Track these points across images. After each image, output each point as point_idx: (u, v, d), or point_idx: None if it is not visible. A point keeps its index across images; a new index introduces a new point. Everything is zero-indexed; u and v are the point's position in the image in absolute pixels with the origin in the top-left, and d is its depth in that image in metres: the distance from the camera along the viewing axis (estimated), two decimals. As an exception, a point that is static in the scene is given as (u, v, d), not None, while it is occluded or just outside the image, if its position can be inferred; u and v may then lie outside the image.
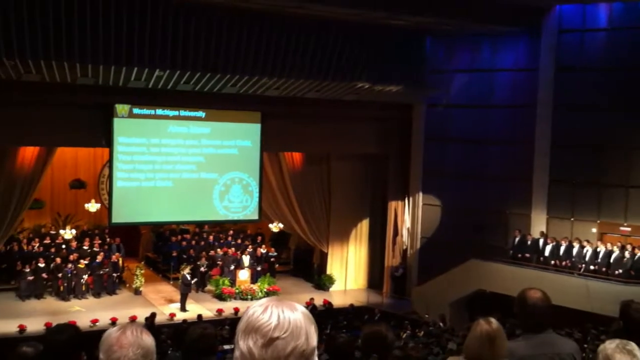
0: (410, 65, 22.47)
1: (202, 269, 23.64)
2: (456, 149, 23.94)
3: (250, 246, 25.43)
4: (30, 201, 21.78)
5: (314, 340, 1.89)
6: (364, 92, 22.68)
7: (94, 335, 3.28)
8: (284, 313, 1.87)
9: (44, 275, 21.85)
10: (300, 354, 1.85)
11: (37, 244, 23.01)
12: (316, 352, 1.91)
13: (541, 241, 21.19)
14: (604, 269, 19.61)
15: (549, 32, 21.67)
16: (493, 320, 3.66)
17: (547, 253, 20.84)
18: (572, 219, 21.41)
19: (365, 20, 20.65)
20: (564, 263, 20.45)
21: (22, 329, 18.74)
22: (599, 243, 20.18)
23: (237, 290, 23.15)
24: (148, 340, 2.39)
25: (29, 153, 21.03)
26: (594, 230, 20.98)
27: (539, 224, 21.86)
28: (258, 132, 23.27)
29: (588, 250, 20.12)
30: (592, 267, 19.83)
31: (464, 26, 22.13)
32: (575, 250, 20.31)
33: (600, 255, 19.83)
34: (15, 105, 19.51)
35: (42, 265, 21.83)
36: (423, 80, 23.32)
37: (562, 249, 20.56)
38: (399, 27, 21.65)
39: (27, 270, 21.53)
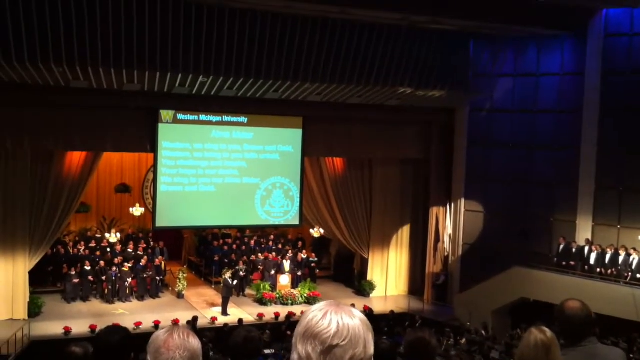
0: (454, 69, 22.29)
1: (240, 273, 23.77)
2: (500, 154, 23.67)
3: (290, 251, 25.53)
4: (77, 205, 22.20)
5: (371, 348, 1.90)
6: (406, 97, 22.59)
7: (138, 338, 3.33)
8: (343, 320, 1.87)
9: (90, 278, 22.24)
10: None
11: (83, 247, 23.46)
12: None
13: (586, 249, 20.80)
14: (651, 278, 19.18)
15: (595, 36, 21.30)
16: (546, 329, 3.65)
17: (592, 261, 20.43)
18: (618, 226, 20.97)
19: (409, 24, 20.58)
20: (609, 271, 20.04)
21: (67, 330, 19.08)
22: (646, 251, 19.75)
23: (277, 295, 23.24)
24: (195, 343, 2.42)
25: (76, 158, 21.46)
26: (641, 237, 20.53)
27: (584, 231, 21.47)
28: (300, 137, 23.36)
29: (635, 259, 19.68)
30: (638, 276, 19.39)
31: (508, 29, 21.89)
32: (621, 258, 19.90)
33: (648, 263, 19.40)
34: (63, 110, 19.94)
35: (87, 268, 22.22)
36: (466, 84, 23.12)
37: (608, 256, 20.15)
38: (442, 31, 21.52)
39: (73, 273, 21.95)
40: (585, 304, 3.98)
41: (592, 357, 3.86)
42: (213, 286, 24.55)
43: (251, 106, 22.21)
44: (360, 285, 25.73)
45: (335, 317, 1.88)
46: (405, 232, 26.42)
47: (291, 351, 1.93)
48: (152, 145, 21.67)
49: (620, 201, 20.90)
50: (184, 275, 23.65)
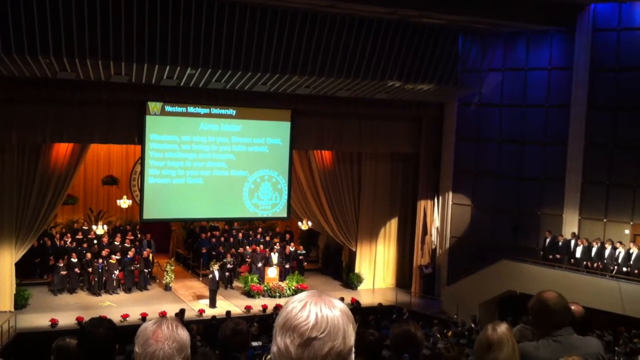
0: (442, 64, 22.31)
1: (228, 265, 23.76)
2: (488, 148, 23.77)
3: (278, 244, 25.52)
4: (64, 197, 22.08)
5: (351, 340, 1.87)
6: (395, 91, 22.61)
7: (125, 330, 3.33)
8: (322, 312, 1.84)
9: (77, 270, 22.14)
10: (337, 354, 1.83)
11: (70, 239, 23.34)
12: (353, 351, 1.88)
13: (573, 242, 20.93)
14: (636, 271, 19.31)
15: (583, 31, 21.38)
16: (499, 325, 3.60)
17: (578, 254, 20.58)
18: (604, 220, 21.12)
19: (397, 18, 20.59)
20: (595, 265, 20.19)
21: (54, 322, 19.01)
22: (631, 245, 19.88)
23: (265, 288, 23.25)
24: (183, 334, 2.42)
25: (63, 149, 21.33)
26: (627, 231, 20.68)
27: (571, 225, 21.61)
28: (288, 130, 23.34)
29: (620, 252, 19.83)
30: (624, 269, 19.55)
31: (497, 24, 21.95)
32: (607, 252, 20.04)
33: (633, 257, 19.53)
34: (51, 103, 19.84)
35: (74, 260, 22.11)
36: (455, 79, 23.15)
37: (594, 250, 20.29)
38: (431, 25, 21.54)
39: (61, 265, 21.84)
40: (560, 294, 4.01)
41: (570, 349, 3.84)
42: (201, 278, 24.53)
43: (240, 99, 22.16)
44: (348, 278, 25.78)
45: (315, 308, 1.85)
46: (393, 225, 26.48)
47: (271, 343, 1.91)
48: (139, 137, 21.58)
49: (607, 195, 21.05)
50: (172, 267, 23.61)
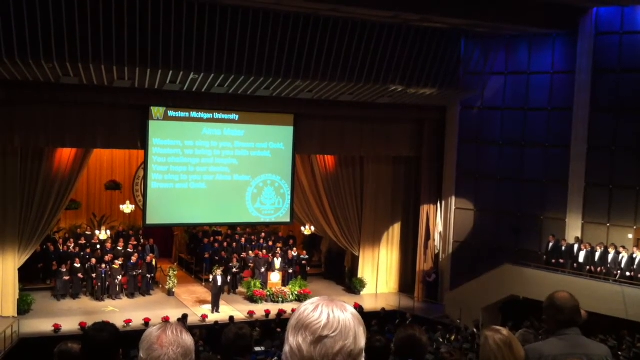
0: (445, 67, 22.32)
1: (233, 270, 23.79)
2: (491, 152, 23.75)
3: (281, 248, 25.50)
4: (67, 202, 22.10)
5: (362, 342, 1.92)
6: (397, 95, 22.62)
7: (128, 335, 3.32)
8: (334, 313, 1.91)
9: (80, 275, 22.14)
10: (348, 354, 1.88)
11: (73, 244, 23.34)
12: (363, 354, 1.93)
13: (576, 247, 20.88)
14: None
15: (585, 35, 21.37)
16: (500, 327, 3.76)
17: (581, 259, 20.52)
18: (608, 225, 21.07)
19: (400, 22, 20.61)
20: (599, 269, 20.14)
21: (57, 328, 19.01)
22: (635, 249, 19.83)
23: (268, 293, 23.22)
24: (188, 339, 2.42)
25: (66, 154, 21.37)
26: (631, 236, 20.61)
27: (574, 229, 21.56)
28: (291, 134, 23.35)
29: (624, 257, 19.78)
30: (628, 274, 19.49)
31: (499, 28, 21.96)
32: (610, 257, 19.99)
33: (637, 261, 19.48)
34: (54, 107, 19.87)
35: (77, 265, 22.11)
36: (457, 82, 23.15)
37: (597, 254, 20.24)
38: (433, 29, 21.56)
39: (64, 270, 21.84)
40: (573, 295, 4.09)
41: (575, 348, 3.92)
42: (203, 283, 24.52)
43: (242, 103, 22.18)
44: (351, 283, 25.75)
45: (327, 309, 1.91)
46: (396, 229, 26.44)
47: (284, 344, 1.95)
48: (142, 142, 21.59)
49: (610, 199, 21.01)
50: (174, 272, 23.59)
